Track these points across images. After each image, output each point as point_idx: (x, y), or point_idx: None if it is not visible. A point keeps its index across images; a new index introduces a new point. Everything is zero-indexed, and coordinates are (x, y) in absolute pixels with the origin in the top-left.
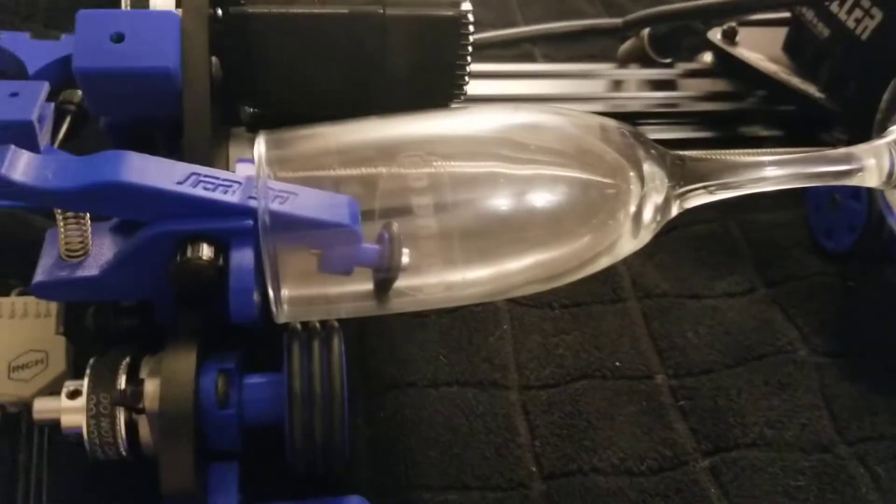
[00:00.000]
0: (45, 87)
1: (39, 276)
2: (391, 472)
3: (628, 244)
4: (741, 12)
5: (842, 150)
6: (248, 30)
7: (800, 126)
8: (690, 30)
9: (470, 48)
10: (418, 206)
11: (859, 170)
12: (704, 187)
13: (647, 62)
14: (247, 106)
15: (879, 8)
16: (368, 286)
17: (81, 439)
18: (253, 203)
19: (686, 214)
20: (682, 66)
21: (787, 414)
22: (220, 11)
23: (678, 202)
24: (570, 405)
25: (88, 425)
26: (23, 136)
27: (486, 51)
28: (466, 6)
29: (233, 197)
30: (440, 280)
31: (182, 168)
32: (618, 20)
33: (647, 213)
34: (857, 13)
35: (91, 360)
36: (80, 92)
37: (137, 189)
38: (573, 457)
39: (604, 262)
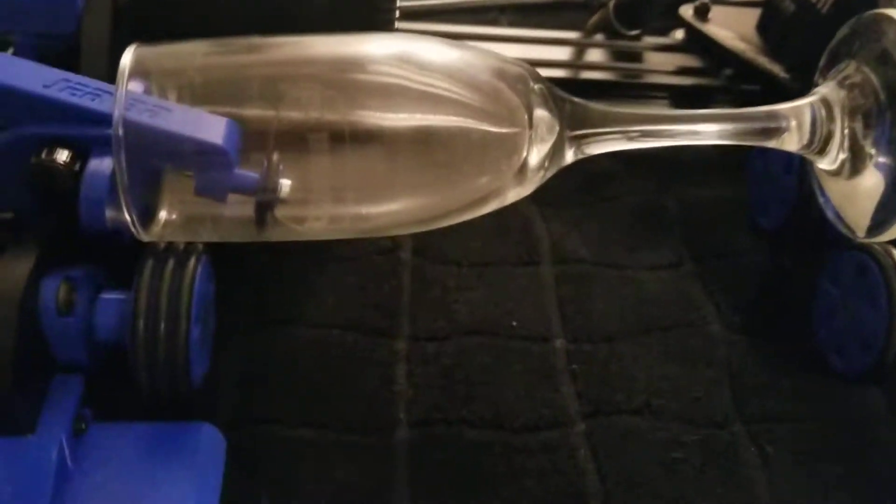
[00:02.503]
0: None
1: None
2: (251, 405)
3: (513, 189)
4: None
5: (764, 108)
6: None
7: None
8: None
9: None
10: (312, 138)
11: (777, 129)
12: (604, 133)
13: (614, 35)
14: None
15: None
16: (245, 212)
17: None
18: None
19: (621, 185)
20: (651, 40)
21: (682, 386)
22: None
23: (574, 148)
24: (454, 358)
25: None
26: None
27: (454, 16)
28: None
29: (100, 105)
30: (324, 213)
31: (53, 73)
32: None
33: (533, 159)
34: None
35: None
36: None
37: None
38: (444, 407)
39: (491, 206)
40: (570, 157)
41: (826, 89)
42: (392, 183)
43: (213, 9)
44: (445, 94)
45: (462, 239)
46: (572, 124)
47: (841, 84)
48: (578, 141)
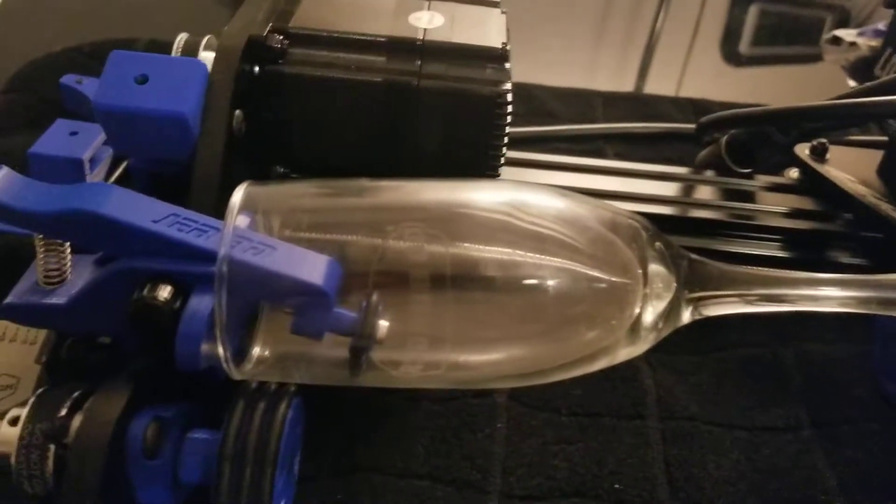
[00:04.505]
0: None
1: (10, 297)
2: None
3: (625, 348)
4: (816, 119)
5: None
6: (283, 89)
7: (888, 256)
8: (768, 139)
9: (506, 129)
10: (414, 278)
11: None
12: (724, 296)
13: (725, 171)
14: (277, 166)
15: None
16: (340, 354)
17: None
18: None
19: (734, 334)
20: (764, 179)
21: None
22: (257, 68)
23: (691, 308)
24: None
25: (18, 455)
26: (72, 172)
27: (556, 144)
28: (507, 86)
29: (206, 242)
30: (420, 359)
31: (163, 207)
32: (693, 125)
33: (648, 317)
34: None
35: (40, 390)
36: None
37: (110, 221)
38: None
39: (599, 364)
40: (686, 317)
41: None
42: (493, 330)
43: (327, 141)
44: (555, 237)
45: (563, 385)
46: (690, 284)
47: None
48: (696, 302)
